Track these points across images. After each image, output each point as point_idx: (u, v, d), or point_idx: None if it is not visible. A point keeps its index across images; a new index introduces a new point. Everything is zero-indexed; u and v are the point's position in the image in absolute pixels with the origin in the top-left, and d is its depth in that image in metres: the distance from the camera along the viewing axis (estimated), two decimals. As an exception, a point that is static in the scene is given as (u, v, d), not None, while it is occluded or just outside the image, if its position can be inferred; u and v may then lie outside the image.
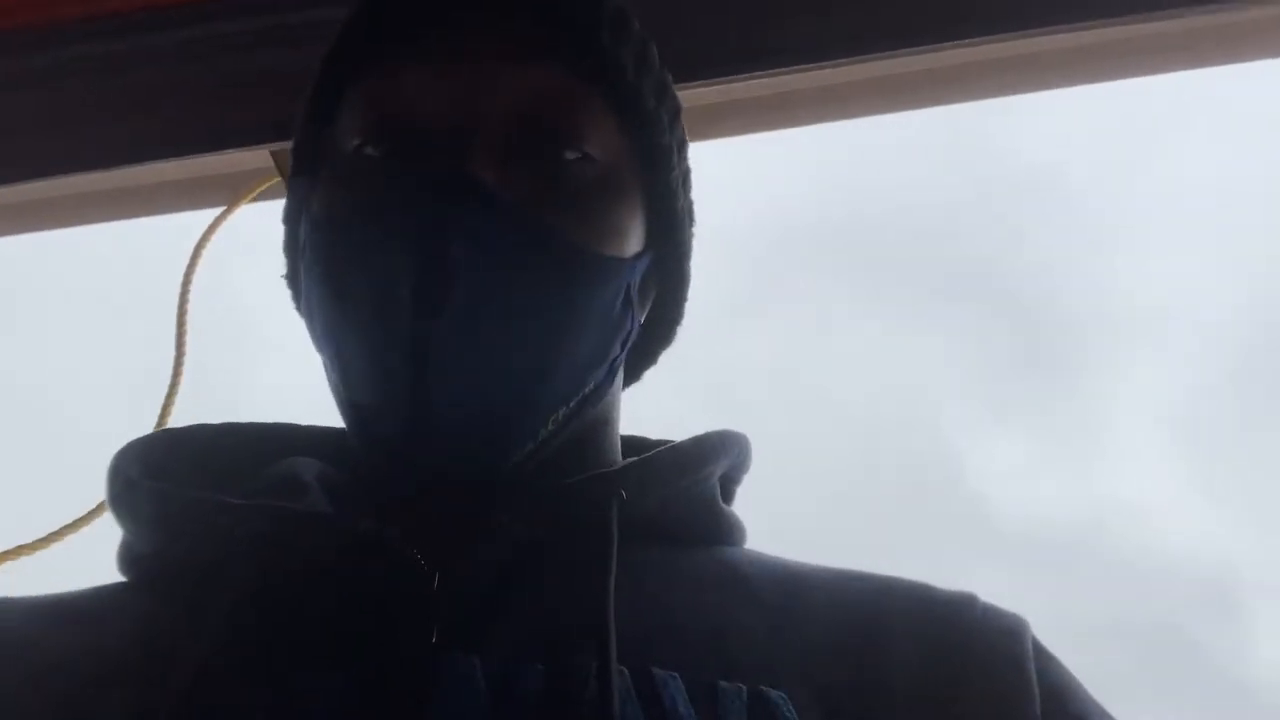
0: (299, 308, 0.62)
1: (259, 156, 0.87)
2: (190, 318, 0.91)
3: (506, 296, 0.52)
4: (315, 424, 0.63)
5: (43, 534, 0.84)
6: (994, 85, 0.79)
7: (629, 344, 0.59)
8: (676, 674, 0.47)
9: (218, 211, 0.93)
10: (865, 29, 0.74)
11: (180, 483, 0.55)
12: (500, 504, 0.51)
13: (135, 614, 0.53)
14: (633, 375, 0.67)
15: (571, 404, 0.55)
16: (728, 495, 0.63)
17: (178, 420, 0.88)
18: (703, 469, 0.57)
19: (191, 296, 0.92)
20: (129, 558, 0.57)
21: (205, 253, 0.91)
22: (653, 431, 0.66)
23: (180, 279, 0.92)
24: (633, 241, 0.58)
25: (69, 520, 0.84)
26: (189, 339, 0.91)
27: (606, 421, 0.61)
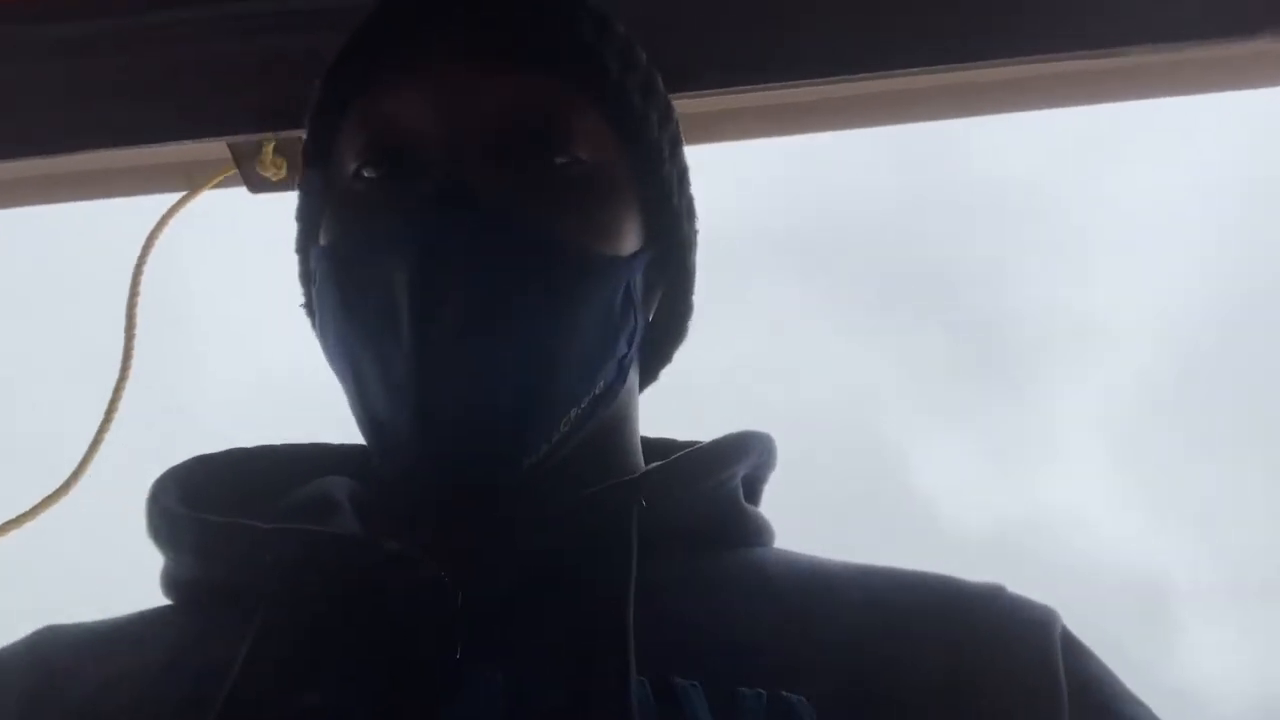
0: (317, 335, 0.62)
1: (218, 148, 0.86)
2: (141, 304, 0.91)
3: (504, 301, 0.53)
4: (347, 442, 0.64)
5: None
6: (953, 107, 0.82)
7: (636, 341, 0.59)
8: (698, 683, 0.47)
9: (174, 199, 0.92)
10: (828, 50, 0.76)
11: (216, 509, 0.56)
12: (521, 516, 0.52)
13: (174, 637, 0.55)
14: (649, 375, 0.67)
15: (583, 404, 0.56)
16: (754, 496, 0.62)
17: (126, 407, 0.88)
18: (723, 470, 0.58)
19: (143, 284, 0.91)
20: (170, 583, 0.58)
21: (158, 242, 0.91)
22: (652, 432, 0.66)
23: (132, 266, 0.91)
24: (629, 240, 0.59)
25: (12, 515, 0.82)
26: (139, 326, 0.90)
27: (624, 421, 0.61)
